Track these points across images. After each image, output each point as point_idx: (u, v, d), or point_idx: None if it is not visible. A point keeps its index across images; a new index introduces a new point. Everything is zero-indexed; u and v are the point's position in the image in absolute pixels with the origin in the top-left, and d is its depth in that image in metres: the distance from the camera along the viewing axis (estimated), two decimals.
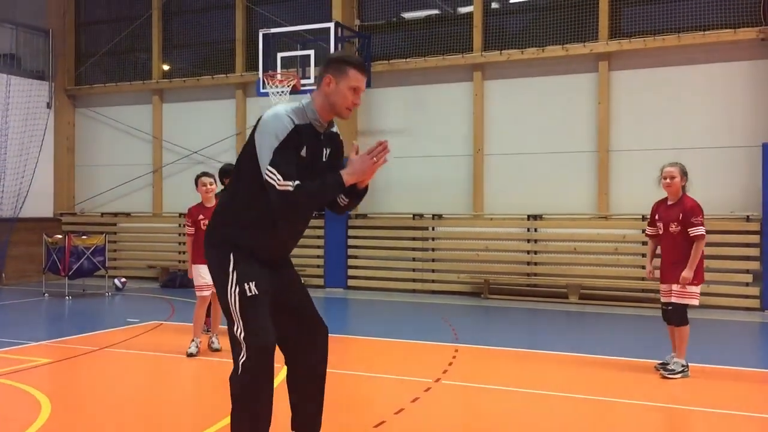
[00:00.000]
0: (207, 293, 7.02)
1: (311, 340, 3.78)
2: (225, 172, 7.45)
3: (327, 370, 3.84)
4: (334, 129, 3.73)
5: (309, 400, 3.82)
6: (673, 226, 6.21)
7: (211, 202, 7.29)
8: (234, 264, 3.53)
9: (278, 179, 3.36)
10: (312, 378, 3.80)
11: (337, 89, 3.53)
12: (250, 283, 3.51)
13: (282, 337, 3.68)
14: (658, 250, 6.49)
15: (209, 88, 14.78)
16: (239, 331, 3.48)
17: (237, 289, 3.50)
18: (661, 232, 6.37)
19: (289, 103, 3.62)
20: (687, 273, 6.09)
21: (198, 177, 7.39)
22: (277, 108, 3.53)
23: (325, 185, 3.45)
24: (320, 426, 3.86)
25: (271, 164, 3.37)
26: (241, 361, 3.46)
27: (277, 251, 3.70)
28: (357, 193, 3.65)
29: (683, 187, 6.32)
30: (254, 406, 3.47)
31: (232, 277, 3.52)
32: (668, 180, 6.27)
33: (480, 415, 5.34)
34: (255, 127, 3.54)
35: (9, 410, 5.17)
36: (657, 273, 6.46)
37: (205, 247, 3.70)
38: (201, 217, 7.22)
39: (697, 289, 6.22)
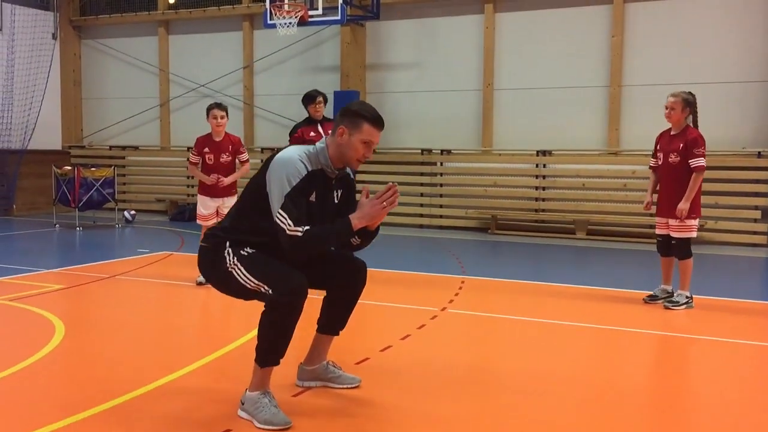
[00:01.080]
0: (208, 223, 7.10)
1: (354, 270, 3.97)
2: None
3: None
4: (346, 169, 3.79)
5: (347, 305, 4.00)
6: (673, 156, 6.15)
7: (220, 136, 7.24)
8: (230, 246, 3.58)
9: (288, 224, 3.41)
10: (354, 292, 4.00)
11: (349, 141, 3.60)
12: (245, 247, 3.56)
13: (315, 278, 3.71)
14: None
15: (216, 19, 14.54)
16: (261, 285, 3.48)
17: (235, 259, 3.54)
18: (660, 163, 6.32)
19: (301, 147, 3.66)
20: (683, 204, 6.05)
21: (209, 108, 7.25)
22: (291, 151, 3.58)
23: (333, 231, 3.54)
24: (344, 326, 4.03)
25: (282, 208, 3.43)
26: (271, 297, 3.44)
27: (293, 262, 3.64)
28: (369, 234, 3.75)
29: (689, 118, 6.23)
30: (288, 308, 3.44)
31: (228, 256, 3.55)
32: (668, 110, 6.19)
33: (483, 340, 5.44)
34: (267, 162, 3.58)
35: (24, 331, 5.29)
36: (655, 208, 6.45)
37: (202, 246, 3.72)
38: (206, 150, 7.21)
39: (695, 223, 6.20)
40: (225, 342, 4.95)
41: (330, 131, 3.71)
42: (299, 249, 3.47)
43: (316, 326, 4.02)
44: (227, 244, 3.60)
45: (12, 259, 8.70)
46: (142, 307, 6.40)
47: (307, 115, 7.96)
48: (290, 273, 3.49)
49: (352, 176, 3.91)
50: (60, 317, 5.57)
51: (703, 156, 6.07)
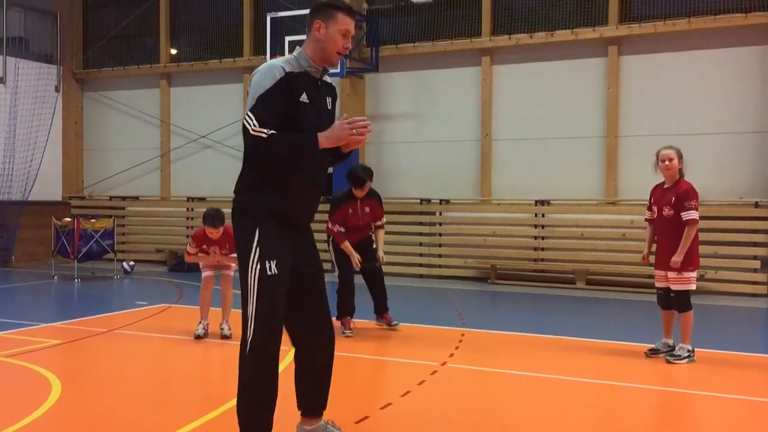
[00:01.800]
0: (210, 273, 7.07)
1: (320, 333, 3.84)
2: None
3: (334, 357, 3.89)
4: (328, 79, 3.79)
5: (313, 383, 3.86)
6: (666, 210, 6.18)
7: (216, 237, 7.01)
8: (258, 239, 3.55)
9: (253, 124, 3.39)
10: (315, 365, 3.85)
11: (327, 34, 3.59)
12: (272, 262, 3.54)
13: (290, 318, 3.71)
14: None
15: (217, 71, 14.76)
16: (251, 309, 3.53)
17: (258, 266, 3.53)
18: (655, 216, 6.35)
19: (283, 57, 3.67)
20: (677, 257, 6.05)
21: (204, 222, 6.95)
22: (272, 60, 3.61)
23: (298, 142, 3.49)
24: (325, 406, 3.90)
25: (250, 110, 3.43)
26: (249, 340, 3.52)
27: (301, 212, 3.71)
28: (339, 155, 3.70)
29: (680, 171, 6.29)
30: (259, 389, 3.54)
31: (255, 253, 3.54)
32: (666, 162, 6.24)
33: (485, 398, 5.37)
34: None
35: (21, 390, 5.23)
36: (653, 258, 6.46)
37: (232, 214, 3.69)
38: (205, 246, 7.06)
39: (694, 274, 6.19)
40: (224, 399, 4.89)
41: (367, 208, 3.76)
42: (262, 153, 3.44)
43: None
44: (257, 232, 3.53)
45: (9, 312, 8.64)
46: (139, 363, 6.34)
47: (349, 189, 7.42)
48: (278, 315, 3.54)
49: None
50: (56, 374, 5.51)
51: (695, 209, 6.09)
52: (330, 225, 7.32)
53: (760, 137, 10.77)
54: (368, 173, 7.37)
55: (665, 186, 6.32)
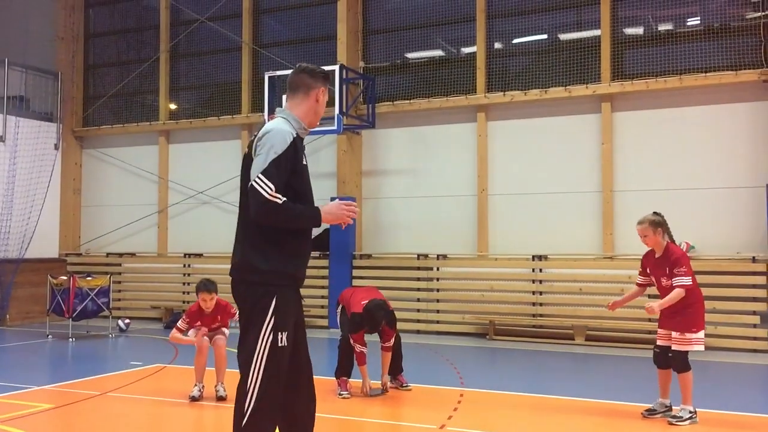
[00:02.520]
0: (205, 339, 7.04)
1: (312, 399, 3.81)
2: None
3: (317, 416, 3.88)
4: None
5: None
6: (664, 281, 6.24)
7: (210, 310, 7.05)
8: (275, 308, 3.49)
9: (270, 189, 3.38)
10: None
11: (323, 101, 3.76)
12: (283, 334, 3.50)
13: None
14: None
15: (215, 128, 14.91)
16: (254, 377, 3.45)
17: (270, 338, 3.47)
18: (646, 283, 6.49)
19: (281, 120, 3.70)
20: (658, 307, 6.06)
21: (198, 289, 6.99)
22: (277, 123, 3.62)
23: (305, 213, 3.52)
24: None
25: (264, 173, 3.40)
26: (247, 413, 3.44)
27: (305, 274, 3.74)
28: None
29: (665, 236, 6.30)
30: None
31: (270, 322, 3.48)
32: (642, 238, 6.32)
33: None
34: (254, 143, 3.60)
35: None
36: (616, 306, 6.58)
37: (240, 282, 3.58)
38: (198, 323, 7.05)
39: (699, 336, 6.15)
40: None
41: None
42: (272, 218, 3.41)
43: None
44: (275, 299, 3.49)
45: (3, 374, 8.53)
46: (133, 427, 6.23)
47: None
48: (279, 391, 3.50)
49: None
50: None
51: (685, 275, 6.09)
52: (353, 342, 7.18)
53: (754, 192, 10.83)
54: (383, 315, 7.22)
55: (656, 255, 6.34)
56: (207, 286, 6.94)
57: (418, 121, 13.24)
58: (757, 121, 10.93)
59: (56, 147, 15.58)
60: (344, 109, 12.19)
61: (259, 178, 3.39)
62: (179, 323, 7.09)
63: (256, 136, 3.62)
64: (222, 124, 14.72)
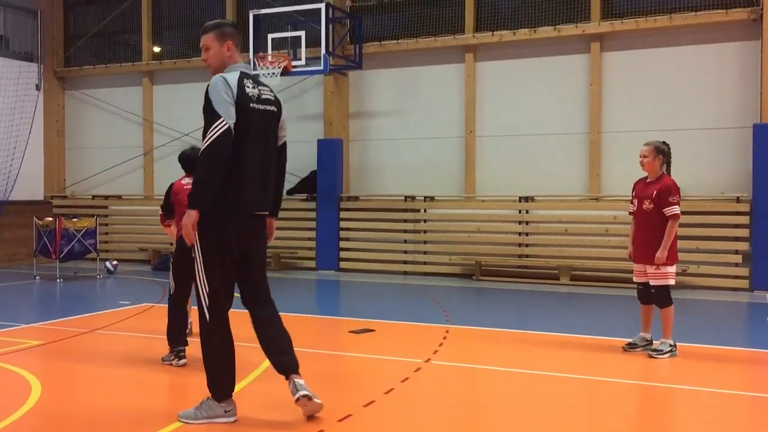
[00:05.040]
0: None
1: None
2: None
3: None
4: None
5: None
6: (647, 203, 6.21)
7: None
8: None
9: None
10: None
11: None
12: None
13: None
14: None
15: (200, 69, 14.64)
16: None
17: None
18: (635, 209, 6.38)
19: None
20: (660, 253, 6.08)
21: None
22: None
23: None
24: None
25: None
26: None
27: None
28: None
29: (663, 167, 6.31)
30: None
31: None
32: (641, 159, 6.31)
33: (469, 395, 5.38)
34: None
35: (0, 391, 5.18)
36: (632, 251, 6.48)
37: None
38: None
39: (673, 269, 6.23)
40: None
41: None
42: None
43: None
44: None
45: None
46: (121, 363, 6.28)
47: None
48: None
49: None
50: (37, 375, 5.46)
51: (677, 204, 6.13)
52: None
53: (741, 132, 10.85)
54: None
55: (648, 180, 6.36)
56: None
57: (405, 62, 13.08)
58: (746, 60, 10.87)
59: (38, 88, 15.31)
60: (331, 49, 12.00)
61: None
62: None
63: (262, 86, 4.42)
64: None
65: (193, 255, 4.20)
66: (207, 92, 4.14)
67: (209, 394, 4.32)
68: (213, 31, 4.34)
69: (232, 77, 4.19)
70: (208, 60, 4.36)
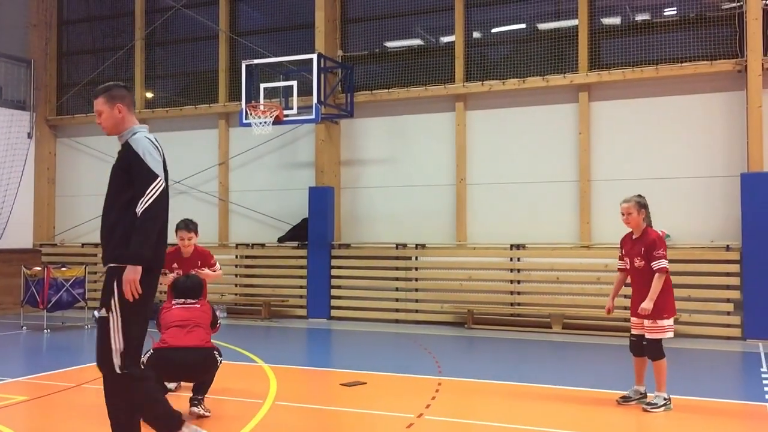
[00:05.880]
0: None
1: None
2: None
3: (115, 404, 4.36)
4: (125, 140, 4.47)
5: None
6: (638, 261, 6.26)
7: (189, 254, 6.76)
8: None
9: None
10: None
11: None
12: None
13: None
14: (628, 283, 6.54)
15: (192, 117, 14.76)
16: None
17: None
18: (628, 267, 6.42)
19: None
20: (646, 304, 6.09)
21: (177, 227, 6.68)
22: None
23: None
24: None
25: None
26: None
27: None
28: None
29: (646, 220, 6.35)
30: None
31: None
32: (625, 216, 6.34)
33: None
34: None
35: None
36: (629, 308, 6.48)
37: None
38: (175, 265, 6.68)
39: (670, 322, 6.23)
40: None
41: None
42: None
43: None
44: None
45: None
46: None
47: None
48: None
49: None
50: None
51: (664, 257, 6.15)
52: None
53: (728, 181, 10.95)
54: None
55: (633, 237, 6.39)
56: (187, 224, 6.66)
57: (396, 111, 13.21)
58: (732, 111, 11.03)
59: (29, 136, 15.35)
60: (322, 98, 12.12)
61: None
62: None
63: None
64: (199, 113, 14.58)
65: (103, 314, 4.22)
66: (136, 151, 4.30)
67: None
68: (102, 95, 4.44)
69: (152, 138, 4.46)
70: (102, 124, 4.46)
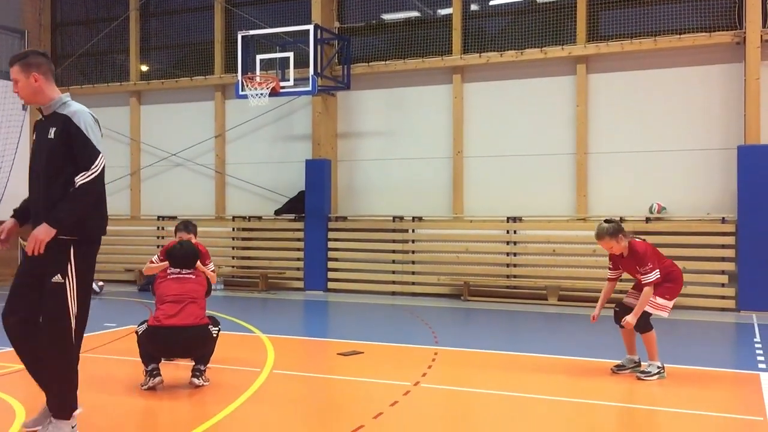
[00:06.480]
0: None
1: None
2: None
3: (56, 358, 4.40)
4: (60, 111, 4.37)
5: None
6: (636, 274, 6.34)
7: None
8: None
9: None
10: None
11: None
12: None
13: None
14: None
15: (188, 89, 14.68)
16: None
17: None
18: (617, 276, 6.58)
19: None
20: (631, 318, 6.16)
21: (177, 229, 6.94)
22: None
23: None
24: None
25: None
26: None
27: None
28: None
29: (626, 237, 6.30)
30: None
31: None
32: (609, 250, 6.37)
33: (459, 419, 5.35)
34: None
35: None
36: (597, 315, 6.58)
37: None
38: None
39: (668, 303, 6.28)
40: (197, 422, 4.80)
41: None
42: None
43: None
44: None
45: None
46: (107, 387, 6.21)
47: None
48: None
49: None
50: (21, 400, 5.38)
51: (653, 269, 6.15)
52: None
53: (725, 154, 10.96)
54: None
55: (624, 255, 6.39)
56: (187, 226, 6.86)
57: (393, 83, 13.15)
58: (730, 83, 11.01)
59: (24, 108, 15.23)
60: (319, 70, 12.05)
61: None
62: (153, 258, 6.98)
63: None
64: (194, 84, 14.49)
65: (58, 280, 4.29)
66: (78, 125, 4.28)
67: (52, 416, 4.38)
68: (18, 63, 4.31)
69: (91, 112, 4.49)
70: (19, 93, 4.36)
